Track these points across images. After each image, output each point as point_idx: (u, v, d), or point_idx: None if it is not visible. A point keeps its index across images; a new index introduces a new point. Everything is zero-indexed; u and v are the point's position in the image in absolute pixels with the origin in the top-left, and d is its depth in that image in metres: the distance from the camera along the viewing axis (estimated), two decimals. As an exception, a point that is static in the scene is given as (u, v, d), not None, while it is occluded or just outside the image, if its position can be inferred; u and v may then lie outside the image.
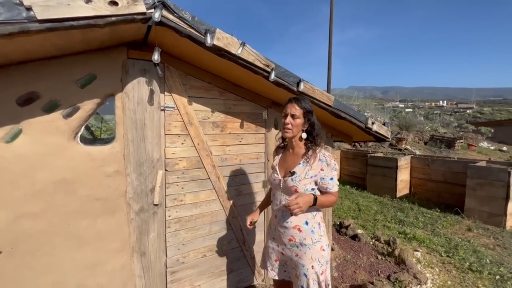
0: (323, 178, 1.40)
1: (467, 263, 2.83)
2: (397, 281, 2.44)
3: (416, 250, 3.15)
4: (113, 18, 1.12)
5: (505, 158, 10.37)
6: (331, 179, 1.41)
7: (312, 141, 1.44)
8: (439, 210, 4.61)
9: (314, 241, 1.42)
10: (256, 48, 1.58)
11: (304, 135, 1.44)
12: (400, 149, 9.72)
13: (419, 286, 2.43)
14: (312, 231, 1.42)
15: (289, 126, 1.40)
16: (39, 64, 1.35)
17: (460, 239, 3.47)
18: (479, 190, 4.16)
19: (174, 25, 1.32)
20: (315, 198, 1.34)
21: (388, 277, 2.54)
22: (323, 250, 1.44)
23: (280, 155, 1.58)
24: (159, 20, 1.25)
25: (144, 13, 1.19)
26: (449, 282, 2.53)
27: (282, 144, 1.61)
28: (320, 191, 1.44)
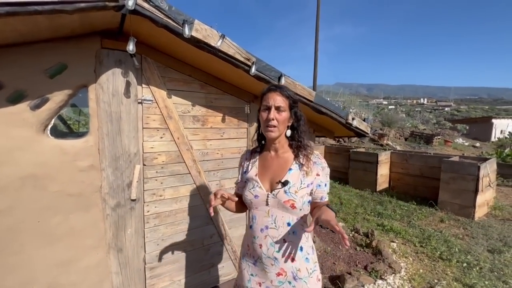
0: (319, 185, 1.12)
1: (438, 252, 3.01)
2: (374, 271, 2.56)
3: (393, 241, 3.30)
4: (82, 4, 1.06)
5: (477, 153, 11.01)
6: (325, 185, 1.15)
7: (298, 140, 1.14)
8: (415, 203, 4.84)
9: (310, 271, 1.11)
10: (243, 43, 1.58)
11: (288, 132, 1.13)
12: (381, 145, 10.05)
13: (393, 274, 2.56)
14: (306, 258, 1.11)
15: (275, 122, 1.06)
16: (1, 51, 1.26)
17: (433, 230, 3.66)
18: (451, 184, 4.39)
19: (149, 14, 1.27)
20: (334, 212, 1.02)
21: (365, 267, 2.65)
22: (319, 280, 1.16)
23: (256, 162, 1.19)
24: (133, 8, 1.19)
25: (116, 0, 1.14)
26: (421, 270, 2.68)
27: (258, 148, 1.25)
28: (311, 202, 1.14)
